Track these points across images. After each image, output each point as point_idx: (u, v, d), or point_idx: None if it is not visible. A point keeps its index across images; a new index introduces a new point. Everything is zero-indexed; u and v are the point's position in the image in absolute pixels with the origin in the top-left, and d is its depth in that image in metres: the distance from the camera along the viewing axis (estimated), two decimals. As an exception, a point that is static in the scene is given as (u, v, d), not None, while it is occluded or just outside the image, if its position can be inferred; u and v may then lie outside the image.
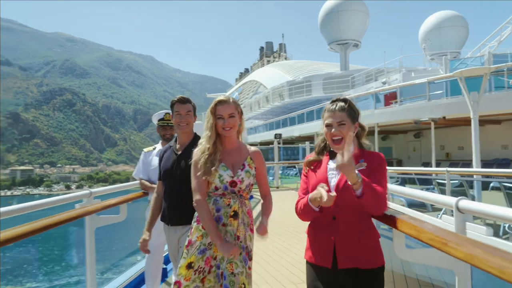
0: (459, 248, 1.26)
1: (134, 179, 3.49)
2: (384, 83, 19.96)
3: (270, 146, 18.30)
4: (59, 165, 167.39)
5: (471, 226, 1.62)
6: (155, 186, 2.65)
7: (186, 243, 2.03)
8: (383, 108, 15.56)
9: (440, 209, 6.48)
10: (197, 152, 2.09)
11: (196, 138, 2.42)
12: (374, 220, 1.79)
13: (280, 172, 14.74)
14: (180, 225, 2.32)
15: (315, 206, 1.71)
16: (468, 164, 13.06)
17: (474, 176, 6.85)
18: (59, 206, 2.67)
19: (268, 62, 62.09)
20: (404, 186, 8.49)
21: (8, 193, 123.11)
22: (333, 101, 1.84)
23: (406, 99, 14.98)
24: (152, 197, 2.53)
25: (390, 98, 16.17)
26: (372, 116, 15.24)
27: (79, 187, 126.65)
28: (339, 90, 25.24)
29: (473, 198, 6.53)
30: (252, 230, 2.06)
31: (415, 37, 30.66)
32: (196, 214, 2.06)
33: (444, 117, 13.12)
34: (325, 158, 1.86)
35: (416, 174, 9.01)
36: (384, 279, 1.75)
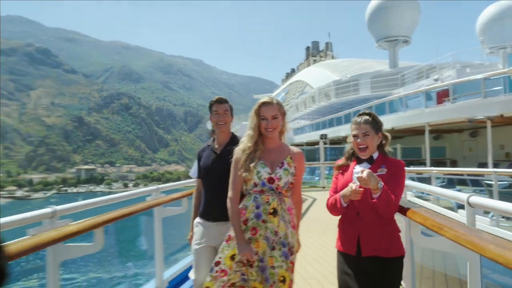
0: (467, 238, 1.52)
1: (190, 178, 4.02)
2: (436, 80, 19.14)
3: (316, 146, 18.40)
4: (117, 164, 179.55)
5: (479, 218, 1.87)
6: None
7: (227, 237, 2.14)
8: (434, 106, 15.00)
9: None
10: (238, 151, 2.19)
11: (233, 138, 2.54)
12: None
13: (327, 172, 14.84)
14: (221, 221, 2.37)
15: (344, 201, 2.06)
16: (530, 164, 12.22)
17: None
18: (133, 198, 3.26)
19: (314, 61, 61.58)
20: (454, 187, 8.31)
21: (74, 190, 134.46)
22: (359, 115, 2.18)
23: (460, 96, 14.33)
24: (193, 194, 2.67)
25: (442, 95, 15.53)
26: (422, 115, 14.77)
27: (136, 185, 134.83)
28: (387, 89, 24.51)
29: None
30: (293, 227, 2.12)
31: (472, 29, 28.80)
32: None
33: (501, 115, 12.38)
34: (352, 164, 2.20)
35: (468, 175, 8.74)
36: (403, 267, 2.06)
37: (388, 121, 17.66)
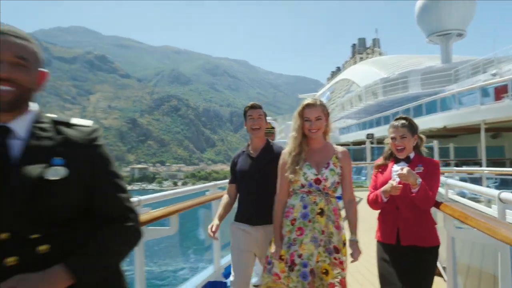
0: (496, 230, 1.70)
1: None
2: (494, 75, 17.97)
3: (362, 146, 18.18)
4: (167, 164, 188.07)
5: (510, 213, 2.07)
6: None
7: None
8: (491, 103, 14.16)
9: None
10: (284, 154, 2.23)
11: (268, 143, 2.58)
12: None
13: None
14: (260, 225, 2.39)
15: (385, 196, 2.34)
16: None
17: None
18: (193, 193, 3.74)
19: (361, 59, 60.10)
20: (509, 188, 7.97)
21: (129, 188, 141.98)
22: (396, 119, 2.44)
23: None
24: (223, 197, 2.67)
25: (501, 91, 14.61)
26: (477, 113, 14.00)
27: (184, 184, 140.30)
28: (439, 85, 23.37)
29: None
30: (337, 227, 2.13)
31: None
32: (284, 209, 2.19)
33: None
34: (390, 163, 2.46)
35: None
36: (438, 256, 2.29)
37: (440, 120, 16.95)
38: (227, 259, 4.14)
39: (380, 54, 64.93)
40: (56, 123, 1.07)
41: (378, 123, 23.69)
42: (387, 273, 2.29)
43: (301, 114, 2.15)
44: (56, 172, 0.98)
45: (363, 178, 15.60)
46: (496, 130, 17.57)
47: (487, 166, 12.96)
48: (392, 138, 2.39)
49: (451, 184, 3.00)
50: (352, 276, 3.94)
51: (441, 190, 3.41)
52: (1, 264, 0.90)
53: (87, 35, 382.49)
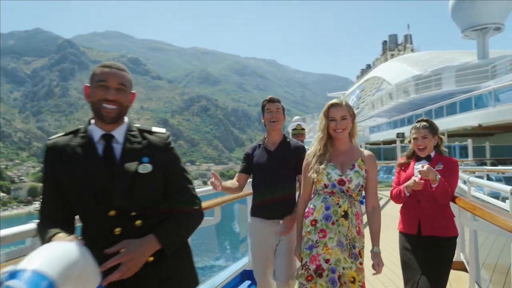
0: (506, 222, 1.93)
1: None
2: (535, 70, 17.21)
3: (393, 145, 17.97)
4: (197, 163, 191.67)
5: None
6: None
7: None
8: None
9: None
10: (309, 154, 2.23)
11: (285, 138, 2.59)
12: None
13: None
14: (274, 219, 2.41)
15: (407, 191, 2.58)
16: None
17: None
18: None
19: (392, 56, 58.65)
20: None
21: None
22: (418, 121, 2.68)
23: None
24: (233, 181, 2.63)
25: (542, 88, 14.05)
26: (515, 111, 13.54)
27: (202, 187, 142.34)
28: (475, 82, 22.57)
29: None
30: (358, 232, 2.09)
31: None
32: (304, 210, 2.19)
33: None
34: (412, 162, 2.70)
35: None
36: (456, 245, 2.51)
37: (475, 118, 16.44)
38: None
39: (412, 50, 63.00)
40: (141, 131, 1.44)
41: (410, 121, 23.19)
42: (408, 260, 2.54)
43: (326, 114, 2.14)
44: (145, 168, 1.35)
45: (393, 177, 15.42)
46: (536, 128, 16.80)
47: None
48: (414, 139, 2.63)
49: (472, 182, 3.18)
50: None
51: (464, 187, 3.57)
52: (111, 232, 1.28)
53: (122, 39, 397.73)
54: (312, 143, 2.22)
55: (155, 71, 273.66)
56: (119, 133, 1.39)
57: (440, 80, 26.24)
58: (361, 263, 2.03)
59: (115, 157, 1.34)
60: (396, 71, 37.74)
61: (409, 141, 2.73)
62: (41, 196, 1.39)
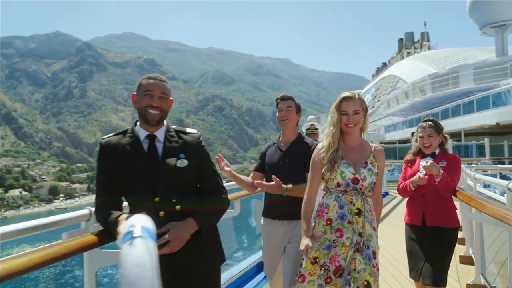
0: (494, 210, 2.07)
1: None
2: (555, 67, 16.86)
3: (408, 144, 17.90)
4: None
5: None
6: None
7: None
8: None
9: None
10: (319, 149, 2.13)
11: (300, 137, 2.52)
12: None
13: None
14: (286, 220, 2.38)
15: (413, 186, 2.80)
16: None
17: None
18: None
19: (408, 54, 57.83)
20: None
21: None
22: (424, 121, 2.89)
23: None
24: (249, 177, 2.63)
25: None
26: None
27: (228, 181, 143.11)
28: (494, 80, 22.18)
29: None
30: (374, 229, 2.06)
31: None
32: (317, 208, 2.11)
33: None
34: (418, 158, 2.92)
35: None
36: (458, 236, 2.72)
37: (492, 116, 16.26)
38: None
39: (429, 48, 61.98)
40: (177, 131, 1.73)
41: (426, 120, 22.92)
42: (413, 248, 2.77)
43: (338, 108, 2.06)
44: (182, 163, 1.64)
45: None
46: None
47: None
48: (420, 137, 2.86)
49: (478, 179, 3.37)
50: (390, 264, 4.36)
51: (471, 184, 3.74)
52: (157, 215, 1.57)
53: (138, 40, 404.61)
54: (323, 138, 2.16)
55: (170, 71, 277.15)
56: (160, 134, 1.68)
57: (458, 78, 25.85)
58: (375, 266, 1.94)
59: (158, 154, 1.64)
60: (412, 69, 37.32)
61: (416, 139, 2.95)
62: (95, 188, 1.70)
